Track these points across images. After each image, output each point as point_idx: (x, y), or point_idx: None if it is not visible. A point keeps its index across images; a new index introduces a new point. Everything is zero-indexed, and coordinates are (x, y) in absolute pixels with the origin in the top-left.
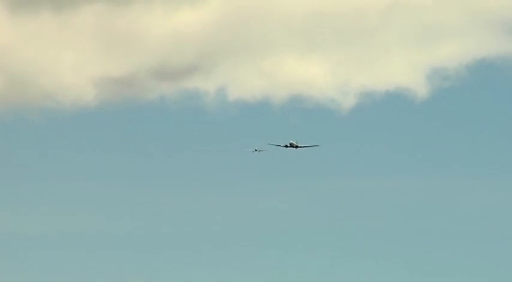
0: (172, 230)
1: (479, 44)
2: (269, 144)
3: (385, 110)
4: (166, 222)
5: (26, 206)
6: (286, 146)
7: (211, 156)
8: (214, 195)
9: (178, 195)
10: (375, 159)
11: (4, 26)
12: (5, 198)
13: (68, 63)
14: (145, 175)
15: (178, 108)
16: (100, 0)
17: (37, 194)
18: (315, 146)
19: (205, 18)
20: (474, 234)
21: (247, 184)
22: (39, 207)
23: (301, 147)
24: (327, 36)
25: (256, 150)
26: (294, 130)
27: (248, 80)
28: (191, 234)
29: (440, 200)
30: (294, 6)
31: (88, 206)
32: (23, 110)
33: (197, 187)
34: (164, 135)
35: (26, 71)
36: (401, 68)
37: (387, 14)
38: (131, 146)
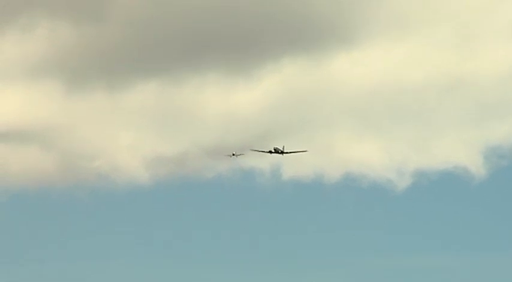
0: None
1: None
2: (252, 150)
3: (441, 189)
4: None
5: None
6: (270, 152)
7: (266, 234)
8: (269, 273)
9: (235, 272)
10: (429, 239)
11: (60, 105)
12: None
13: (123, 142)
14: (201, 253)
15: (233, 187)
16: (154, 79)
17: (90, 273)
18: (303, 151)
19: (260, 98)
20: None
21: (299, 260)
22: None
23: (287, 153)
24: (382, 114)
25: (234, 154)
26: (347, 209)
27: (302, 159)
28: None
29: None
30: (348, 85)
31: None
32: (76, 190)
33: (253, 265)
34: (219, 213)
35: (80, 150)
36: (458, 147)
37: (444, 92)
38: (183, 225)
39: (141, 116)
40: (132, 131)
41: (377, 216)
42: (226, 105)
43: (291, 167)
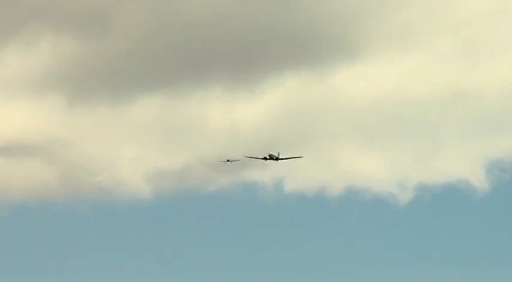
0: None
1: None
2: (246, 156)
3: (443, 203)
4: None
5: None
6: (265, 158)
7: (268, 247)
8: None
9: None
10: (431, 253)
11: (62, 118)
12: None
13: (125, 156)
14: (203, 266)
15: (236, 200)
16: (157, 93)
17: None
18: (298, 157)
19: (262, 112)
20: None
21: (301, 273)
22: None
23: (282, 159)
24: (385, 128)
25: (228, 160)
26: (350, 222)
27: (305, 172)
28: None
29: None
30: (351, 99)
31: None
32: (78, 204)
33: (255, 278)
34: (221, 227)
35: (82, 164)
36: (460, 161)
37: (446, 105)
38: (185, 239)
39: (144, 130)
40: (135, 145)
41: (379, 230)
42: (229, 119)
43: (294, 180)
